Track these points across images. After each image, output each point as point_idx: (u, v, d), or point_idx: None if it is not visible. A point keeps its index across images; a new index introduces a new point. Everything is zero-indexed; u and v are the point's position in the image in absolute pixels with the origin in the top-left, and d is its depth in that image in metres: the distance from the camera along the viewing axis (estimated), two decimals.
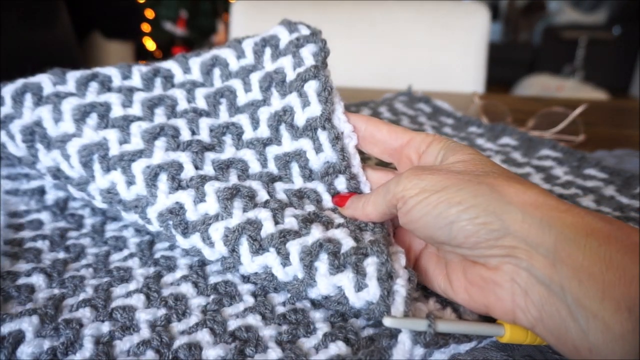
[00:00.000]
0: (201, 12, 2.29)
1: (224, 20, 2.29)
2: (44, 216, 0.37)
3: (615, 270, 0.20)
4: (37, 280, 0.30)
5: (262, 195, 0.32)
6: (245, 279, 0.31)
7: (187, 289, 0.30)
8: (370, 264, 0.26)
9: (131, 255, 0.33)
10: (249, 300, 0.29)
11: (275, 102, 0.36)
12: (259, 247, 0.28)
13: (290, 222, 0.29)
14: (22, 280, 0.29)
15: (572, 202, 0.43)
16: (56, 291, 0.29)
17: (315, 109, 0.34)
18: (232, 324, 0.27)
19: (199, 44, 2.26)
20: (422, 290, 0.30)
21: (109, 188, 0.33)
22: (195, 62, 0.39)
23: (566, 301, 0.21)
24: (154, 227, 0.32)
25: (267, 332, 0.27)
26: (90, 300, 0.28)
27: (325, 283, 0.26)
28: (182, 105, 0.37)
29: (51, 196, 0.39)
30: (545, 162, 0.51)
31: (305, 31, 0.37)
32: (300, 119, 0.34)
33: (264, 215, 0.29)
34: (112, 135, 0.33)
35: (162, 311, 0.28)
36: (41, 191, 0.39)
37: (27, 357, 0.24)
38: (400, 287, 0.25)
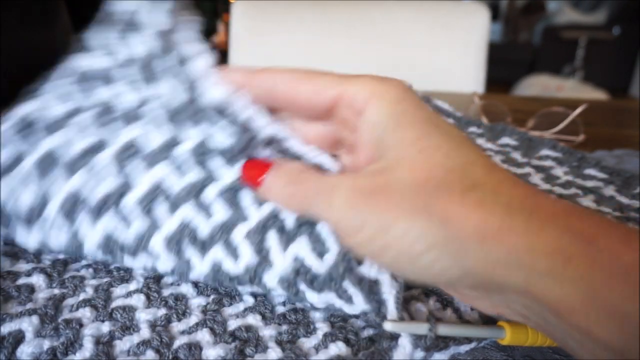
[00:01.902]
0: (201, 12, 2.29)
1: (224, 20, 2.30)
2: None
3: (601, 302, 0.18)
4: (37, 280, 0.30)
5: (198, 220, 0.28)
6: None
7: (187, 289, 0.30)
8: (349, 285, 0.26)
9: None
10: (249, 300, 0.29)
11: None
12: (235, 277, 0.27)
13: (245, 251, 0.27)
14: (22, 280, 0.29)
15: (572, 202, 0.43)
16: (56, 291, 0.29)
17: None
18: (232, 324, 0.27)
19: None
20: (422, 289, 0.30)
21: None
22: None
23: (557, 328, 0.20)
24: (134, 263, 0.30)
25: (267, 332, 0.27)
26: (90, 300, 0.28)
27: (315, 300, 0.27)
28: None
29: None
30: (545, 162, 0.51)
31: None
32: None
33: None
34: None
35: (162, 311, 0.28)
36: None
37: (27, 357, 0.24)
38: (388, 294, 0.25)
